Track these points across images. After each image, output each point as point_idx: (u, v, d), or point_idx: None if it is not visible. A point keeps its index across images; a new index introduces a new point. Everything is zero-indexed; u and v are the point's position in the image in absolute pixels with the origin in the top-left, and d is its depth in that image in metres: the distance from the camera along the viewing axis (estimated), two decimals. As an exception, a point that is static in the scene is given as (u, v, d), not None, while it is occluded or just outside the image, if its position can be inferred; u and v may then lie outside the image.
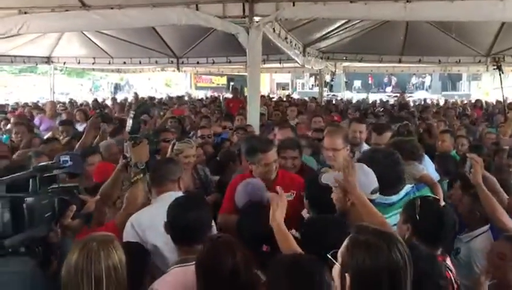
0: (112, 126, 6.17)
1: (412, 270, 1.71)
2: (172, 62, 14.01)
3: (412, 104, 19.33)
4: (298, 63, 11.37)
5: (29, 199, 2.08)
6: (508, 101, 12.81)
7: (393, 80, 30.98)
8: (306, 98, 19.59)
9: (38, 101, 14.72)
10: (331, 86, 27.55)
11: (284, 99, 18.24)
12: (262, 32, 6.78)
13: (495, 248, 2.76)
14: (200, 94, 25.83)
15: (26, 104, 13.03)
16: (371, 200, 2.68)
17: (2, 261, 2.00)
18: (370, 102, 19.21)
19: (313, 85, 30.07)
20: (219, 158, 4.96)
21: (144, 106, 4.16)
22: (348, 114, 9.93)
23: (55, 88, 15.64)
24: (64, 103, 13.78)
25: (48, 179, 2.31)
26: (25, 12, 7.09)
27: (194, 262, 2.33)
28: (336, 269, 1.77)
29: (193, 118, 8.76)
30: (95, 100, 15.22)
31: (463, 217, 3.27)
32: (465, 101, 18.82)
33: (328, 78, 20.21)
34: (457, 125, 8.56)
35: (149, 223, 2.84)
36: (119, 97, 19.90)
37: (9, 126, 6.74)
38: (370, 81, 31.42)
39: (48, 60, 13.98)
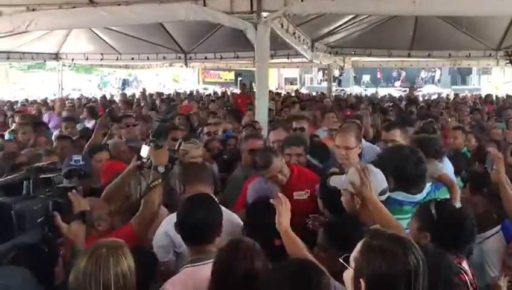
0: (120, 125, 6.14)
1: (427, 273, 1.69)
2: (180, 58, 13.99)
3: (421, 98, 19.23)
4: (306, 58, 11.31)
5: (18, 206, 2.01)
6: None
7: (402, 74, 30.73)
8: (314, 93, 19.58)
9: (46, 98, 14.78)
10: (340, 80, 27.56)
11: (293, 94, 18.17)
12: (270, 28, 6.74)
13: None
14: (208, 89, 25.82)
15: (34, 101, 13.09)
16: (385, 201, 2.67)
17: None
18: (379, 96, 19.10)
19: (321, 80, 29.95)
20: (225, 156, 4.93)
21: (171, 113, 4.08)
22: (361, 109, 9.77)
23: (64, 84, 15.73)
24: (72, 100, 13.84)
25: (44, 181, 2.27)
26: (33, 9, 7.08)
27: (204, 262, 2.36)
28: (349, 274, 1.75)
29: (201, 115, 8.71)
30: (103, 97, 15.24)
31: (474, 218, 3.21)
32: (475, 96, 18.64)
33: (336, 72, 20.13)
34: (468, 120, 8.48)
35: None
36: (128, 93, 19.91)
37: (14, 126, 6.70)
38: (379, 76, 31.22)
39: (56, 56, 14.03)
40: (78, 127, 7.30)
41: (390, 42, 12.34)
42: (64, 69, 15.57)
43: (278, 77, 32.79)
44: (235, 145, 5.39)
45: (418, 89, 24.24)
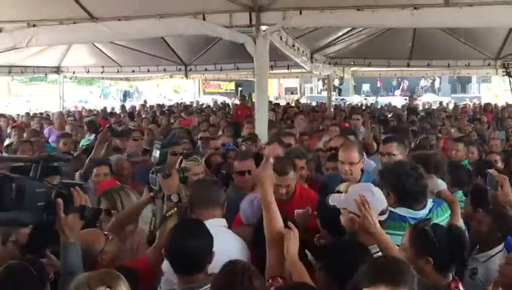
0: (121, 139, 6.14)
1: None
2: (180, 69, 14.08)
3: (421, 107, 19.24)
4: (306, 69, 11.35)
5: (19, 181, 2.03)
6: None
7: (405, 83, 30.80)
8: (314, 103, 19.63)
9: (48, 112, 14.82)
10: (340, 90, 27.61)
11: (293, 104, 18.21)
12: (270, 40, 6.79)
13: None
14: (209, 99, 25.87)
15: (35, 115, 13.12)
16: (388, 216, 2.68)
17: None
18: (379, 106, 19.14)
19: (321, 89, 30.03)
20: (224, 171, 4.88)
21: (173, 138, 4.02)
22: (355, 119, 9.74)
23: (66, 96, 15.78)
24: (73, 113, 13.88)
25: (51, 169, 2.29)
26: (34, 25, 7.16)
27: None
28: None
29: (201, 128, 8.71)
30: (104, 110, 15.26)
31: (477, 235, 3.20)
32: (476, 104, 18.66)
33: (336, 82, 20.17)
34: (469, 130, 8.48)
35: None
36: (128, 105, 19.97)
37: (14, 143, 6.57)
38: (379, 85, 31.28)
39: (57, 69, 14.09)
40: (85, 141, 7.30)
41: (389, 52, 12.38)
42: (66, 81, 15.62)
43: (278, 87, 32.91)
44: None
45: (418, 98, 24.30)
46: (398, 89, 31.36)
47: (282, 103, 21.15)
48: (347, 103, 21.55)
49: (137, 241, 3.24)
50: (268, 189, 2.63)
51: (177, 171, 2.75)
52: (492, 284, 2.63)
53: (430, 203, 3.05)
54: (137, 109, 16.56)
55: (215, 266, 2.42)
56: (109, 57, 12.97)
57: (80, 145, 7.01)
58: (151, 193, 3.03)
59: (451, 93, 28.84)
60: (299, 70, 14.58)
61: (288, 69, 13.57)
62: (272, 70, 11.90)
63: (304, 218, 3.18)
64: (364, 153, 4.74)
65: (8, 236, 2.84)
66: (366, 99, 26.62)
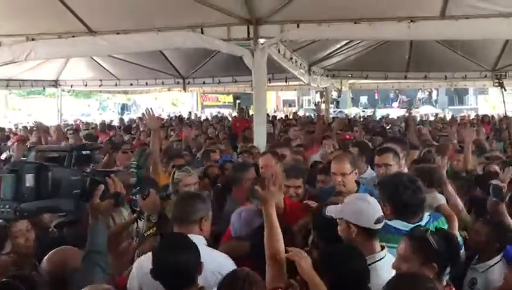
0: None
1: None
2: (178, 83, 14.13)
3: (418, 118, 19.26)
4: (304, 82, 11.40)
5: (55, 169, 2.10)
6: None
7: (402, 97, 30.96)
8: (312, 116, 19.64)
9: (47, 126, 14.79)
10: (338, 102, 27.68)
11: (291, 117, 18.21)
12: (267, 53, 6.82)
13: None
14: (207, 113, 25.91)
15: (32, 128, 13.09)
16: (381, 228, 2.67)
17: None
18: (377, 118, 19.16)
19: (319, 102, 30.07)
20: (220, 184, 4.85)
21: (144, 156, 4.07)
22: (355, 131, 9.76)
23: (64, 110, 15.78)
24: (72, 126, 13.85)
25: (85, 157, 2.38)
26: (32, 39, 7.18)
27: None
28: None
29: (199, 140, 8.69)
30: (102, 123, 15.24)
31: (476, 245, 3.20)
32: (473, 116, 18.71)
33: (334, 94, 20.20)
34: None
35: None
36: (126, 118, 19.97)
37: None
38: (376, 97, 31.40)
39: (55, 83, 14.12)
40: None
41: (386, 65, 12.45)
42: (64, 94, 15.63)
43: (276, 99, 33.00)
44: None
45: (415, 110, 24.35)
46: (396, 101, 31.49)
47: (280, 115, 21.18)
48: (344, 114, 21.58)
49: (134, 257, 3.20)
50: (271, 208, 2.62)
51: (160, 190, 2.67)
52: None
53: (426, 216, 3.05)
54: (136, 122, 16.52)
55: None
56: (107, 70, 13.01)
57: None
58: (134, 215, 3.01)
59: (449, 105, 28.99)
60: (297, 82, 14.63)
61: (286, 81, 13.62)
62: (270, 82, 11.94)
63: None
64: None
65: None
66: (364, 111, 26.68)
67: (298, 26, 6.62)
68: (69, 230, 3.25)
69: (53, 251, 2.57)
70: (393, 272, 2.40)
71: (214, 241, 3.13)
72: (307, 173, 4.85)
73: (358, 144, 5.40)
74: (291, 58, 8.87)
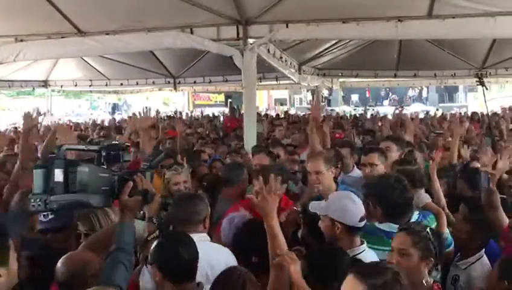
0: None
1: None
2: (169, 82, 14.10)
3: (409, 116, 19.32)
4: (294, 81, 11.45)
5: (84, 165, 2.16)
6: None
7: (393, 96, 31.12)
8: (303, 114, 19.68)
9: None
10: (329, 100, 27.77)
11: (282, 116, 18.23)
12: (257, 53, 6.86)
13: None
14: (198, 111, 25.84)
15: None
16: (370, 232, 2.73)
17: None
18: (368, 116, 19.24)
19: (310, 100, 30.14)
20: (205, 183, 4.85)
21: (159, 157, 4.06)
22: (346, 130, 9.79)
23: (54, 110, 15.71)
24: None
25: (113, 156, 2.42)
26: (21, 40, 7.17)
27: None
28: None
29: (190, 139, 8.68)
30: (93, 123, 15.11)
31: (457, 242, 3.25)
32: (462, 114, 18.82)
33: (325, 92, 20.29)
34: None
35: None
36: (117, 118, 19.86)
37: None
38: (368, 95, 31.52)
39: (45, 83, 14.06)
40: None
41: (376, 63, 12.54)
42: (54, 94, 15.55)
43: (267, 98, 33.02)
44: (217, 172, 5.26)
45: (405, 108, 24.46)
46: (387, 99, 31.62)
47: (272, 114, 21.20)
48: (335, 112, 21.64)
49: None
50: (272, 220, 2.55)
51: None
52: None
53: (416, 215, 3.12)
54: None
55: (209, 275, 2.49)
56: (97, 70, 12.97)
57: None
58: None
59: (439, 103, 29.09)
60: (288, 81, 14.67)
61: (276, 80, 13.65)
62: (261, 82, 11.99)
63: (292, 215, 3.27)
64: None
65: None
66: (355, 109, 26.78)
67: (287, 26, 6.67)
68: (54, 236, 3.23)
69: (70, 254, 2.57)
70: None
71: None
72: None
73: (348, 143, 5.42)
74: (281, 58, 8.92)
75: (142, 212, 2.90)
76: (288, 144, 7.18)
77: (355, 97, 31.60)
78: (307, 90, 29.58)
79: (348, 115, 19.49)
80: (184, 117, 17.02)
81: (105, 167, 2.35)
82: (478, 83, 7.42)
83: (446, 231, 3.31)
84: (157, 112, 14.76)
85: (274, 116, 17.27)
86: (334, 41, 10.28)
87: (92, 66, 12.60)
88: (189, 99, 30.84)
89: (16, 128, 13.40)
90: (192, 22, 6.83)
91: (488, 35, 7.47)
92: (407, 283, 1.87)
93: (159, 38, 7.02)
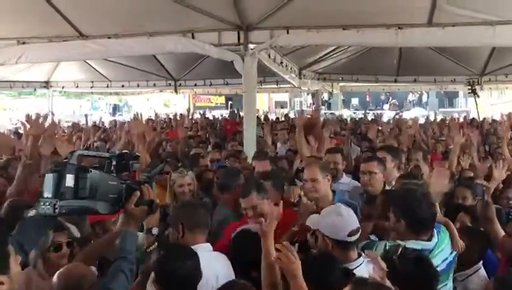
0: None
1: None
2: (170, 84, 14.10)
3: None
4: (294, 85, 11.49)
5: (94, 172, 2.18)
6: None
7: (393, 101, 31.16)
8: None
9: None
10: (330, 104, 27.83)
11: (282, 119, 18.24)
12: (258, 58, 6.90)
13: None
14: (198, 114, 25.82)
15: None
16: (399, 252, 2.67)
17: None
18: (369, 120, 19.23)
19: (311, 103, 30.20)
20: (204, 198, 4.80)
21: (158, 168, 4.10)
22: (342, 135, 9.74)
23: (55, 110, 15.67)
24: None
25: (123, 165, 2.43)
26: (23, 43, 7.20)
27: None
28: None
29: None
30: (94, 125, 14.99)
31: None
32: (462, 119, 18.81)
33: (325, 96, 20.32)
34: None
35: None
36: (119, 119, 19.86)
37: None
38: (368, 99, 31.57)
39: (46, 84, 14.07)
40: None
41: (376, 68, 12.59)
42: (55, 94, 15.51)
43: (268, 101, 33.07)
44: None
45: (405, 112, 24.48)
46: (387, 103, 31.68)
47: (272, 117, 21.22)
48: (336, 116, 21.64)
49: None
50: (270, 246, 2.61)
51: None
52: None
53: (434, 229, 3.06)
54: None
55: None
56: (99, 72, 13.01)
57: None
58: None
59: (439, 108, 29.13)
60: (288, 85, 14.72)
61: (277, 84, 13.73)
62: (261, 85, 12.04)
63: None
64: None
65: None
66: (355, 113, 26.84)
67: (288, 32, 6.70)
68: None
69: (66, 267, 2.59)
70: None
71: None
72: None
73: (339, 149, 5.45)
74: (281, 63, 8.96)
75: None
76: (289, 149, 7.22)
77: (355, 101, 31.70)
78: (307, 94, 29.69)
79: (349, 119, 19.55)
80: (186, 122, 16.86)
81: (114, 175, 2.37)
82: (470, 91, 7.47)
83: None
84: (156, 115, 14.89)
85: (274, 119, 17.28)
86: (334, 47, 10.30)
87: (93, 67, 12.63)
88: (190, 101, 30.83)
89: (17, 129, 13.44)
90: (194, 26, 6.87)
91: (488, 44, 7.52)
92: None
93: (160, 43, 7.05)
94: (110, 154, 2.44)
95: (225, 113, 17.76)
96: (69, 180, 2.10)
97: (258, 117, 11.30)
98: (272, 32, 6.77)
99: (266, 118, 17.16)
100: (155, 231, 2.75)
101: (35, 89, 14.34)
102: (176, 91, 14.64)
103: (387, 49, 10.65)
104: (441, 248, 2.98)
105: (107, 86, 14.10)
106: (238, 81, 11.30)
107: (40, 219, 2.39)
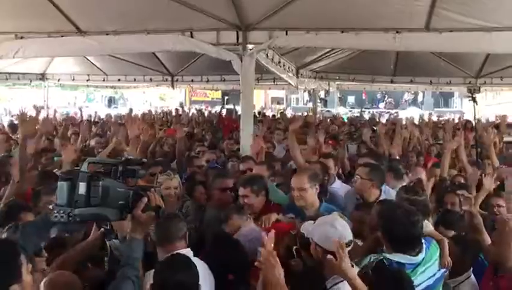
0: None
1: None
2: (166, 80, 14.10)
3: (404, 121, 19.42)
4: (291, 84, 11.52)
5: (105, 180, 2.25)
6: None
7: (389, 100, 31.25)
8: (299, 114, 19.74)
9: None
10: (326, 101, 27.86)
11: (278, 116, 18.27)
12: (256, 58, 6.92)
13: None
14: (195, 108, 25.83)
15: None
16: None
17: None
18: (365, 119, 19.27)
19: (307, 100, 30.25)
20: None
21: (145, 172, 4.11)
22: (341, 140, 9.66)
23: (50, 101, 15.61)
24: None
25: (129, 172, 2.48)
26: (21, 37, 7.18)
27: None
28: None
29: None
30: (88, 120, 14.76)
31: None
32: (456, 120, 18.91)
33: (322, 94, 20.34)
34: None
35: None
36: (114, 112, 19.83)
37: None
38: (364, 97, 31.63)
39: (42, 76, 14.03)
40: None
41: (373, 68, 12.65)
42: (50, 85, 15.44)
43: (264, 97, 33.07)
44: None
45: (401, 111, 24.59)
46: (383, 101, 31.77)
47: (268, 113, 21.25)
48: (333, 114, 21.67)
49: None
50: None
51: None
52: None
53: (423, 245, 3.02)
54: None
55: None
56: (95, 65, 12.98)
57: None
58: (102, 229, 3.01)
59: (434, 107, 29.27)
60: (285, 82, 14.72)
61: (274, 82, 13.73)
62: (258, 82, 12.04)
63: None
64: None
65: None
66: (351, 111, 26.90)
67: (287, 33, 6.72)
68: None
69: (51, 276, 2.59)
70: None
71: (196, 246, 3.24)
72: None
73: (331, 155, 5.51)
74: (279, 62, 8.97)
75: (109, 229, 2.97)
76: (287, 150, 7.22)
77: (351, 99, 31.74)
78: (304, 91, 29.70)
79: (345, 117, 19.58)
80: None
81: (120, 180, 2.41)
82: (470, 99, 7.53)
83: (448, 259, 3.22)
84: (150, 112, 14.85)
85: (270, 116, 17.29)
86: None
87: (90, 61, 12.60)
88: (186, 95, 30.81)
89: (12, 122, 13.36)
90: (193, 25, 6.88)
91: (485, 50, 7.57)
92: None
93: (158, 41, 7.04)
94: (116, 161, 2.47)
95: (219, 110, 17.70)
96: (82, 188, 2.17)
97: (254, 115, 11.32)
98: (271, 33, 6.79)
99: (264, 115, 17.24)
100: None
101: (31, 81, 14.25)
102: (172, 86, 14.64)
103: (384, 51, 10.66)
104: (429, 264, 2.95)
105: (104, 80, 14.07)
106: (235, 78, 11.32)
107: (40, 223, 2.43)
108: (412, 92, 29.14)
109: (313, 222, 3.03)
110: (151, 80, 14.15)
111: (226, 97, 27.57)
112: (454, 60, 11.18)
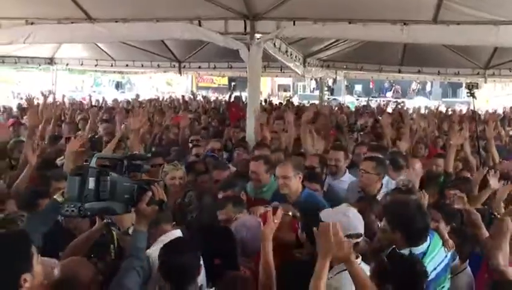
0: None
1: None
2: (174, 66, 14.14)
3: (411, 111, 19.37)
4: (298, 73, 11.54)
5: (113, 175, 2.34)
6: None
7: (397, 87, 31.09)
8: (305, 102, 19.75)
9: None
10: (333, 89, 27.80)
11: (284, 103, 18.27)
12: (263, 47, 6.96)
13: None
14: (201, 94, 25.88)
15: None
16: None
17: None
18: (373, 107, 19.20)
19: (314, 88, 30.19)
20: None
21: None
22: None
23: (57, 85, 15.69)
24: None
25: (134, 166, 2.56)
26: (32, 23, 7.25)
27: None
28: None
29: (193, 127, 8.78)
30: (95, 105, 14.78)
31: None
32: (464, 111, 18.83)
33: (329, 82, 20.29)
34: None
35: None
36: (121, 97, 19.91)
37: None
38: (371, 86, 31.49)
39: (51, 61, 14.12)
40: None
41: (381, 58, 12.61)
42: (58, 69, 15.52)
43: (271, 84, 33.03)
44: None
45: (408, 100, 24.45)
46: (390, 90, 31.62)
47: (275, 101, 21.26)
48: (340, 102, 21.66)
49: None
50: (267, 244, 2.77)
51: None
52: None
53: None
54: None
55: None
56: (103, 50, 13.05)
57: None
58: (104, 221, 3.04)
59: (442, 97, 29.07)
60: (292, 70, 14.72)
61: (281, 70, 13.74)
62: (265, 70, 12.07)
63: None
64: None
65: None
66: (358, 99, 26.83)
67: (294, 23, 6.74)
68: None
69: (61, 263, 2.64)
70: None
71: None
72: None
73: (341, 147, 5.55)
74: (286, 51, 9.00)
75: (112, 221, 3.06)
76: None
77: (358, 87, 31.61)
78: (311, 79, 29.62)
79: (352, 106, 19.55)
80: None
81: (126, 175, 2.50)
82: (469, 95, 7.54)
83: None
84: (158, 98, 14.84)
85: (277, 104, 17.28)
86: (340, 36, 10.31)
87: (98, 46, 12.66)
88: (192, 81, 30.80)
89: (20, 105, 13.48)
90: (201, 14, 6.91)
91: (491, 43, 7.54)
92: None
93: (167, 29, 7.10)
94: (121, 156, 2.56)
95: (227, 97, 17.72)
96: (91, 183, 2.24)
97: (260, 103, 11.35)
98: (278, 22, 6.82)
99: (270, 103, 17.24)
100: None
101: (39, 65, 14.33)
102: (180, 72, 14.69)
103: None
104: (435, 253, 3.05)
105: (112, 65, 14.14)
106: (242, 65, 11.34)
107: (45, 213, 2.54)
108: (420, 81, 29.01)
109: (331, 209, 3.12)
110: (158, 66, 14.17)
111: (232, 83, 27.54)
112: (462, 51, 11.13)
